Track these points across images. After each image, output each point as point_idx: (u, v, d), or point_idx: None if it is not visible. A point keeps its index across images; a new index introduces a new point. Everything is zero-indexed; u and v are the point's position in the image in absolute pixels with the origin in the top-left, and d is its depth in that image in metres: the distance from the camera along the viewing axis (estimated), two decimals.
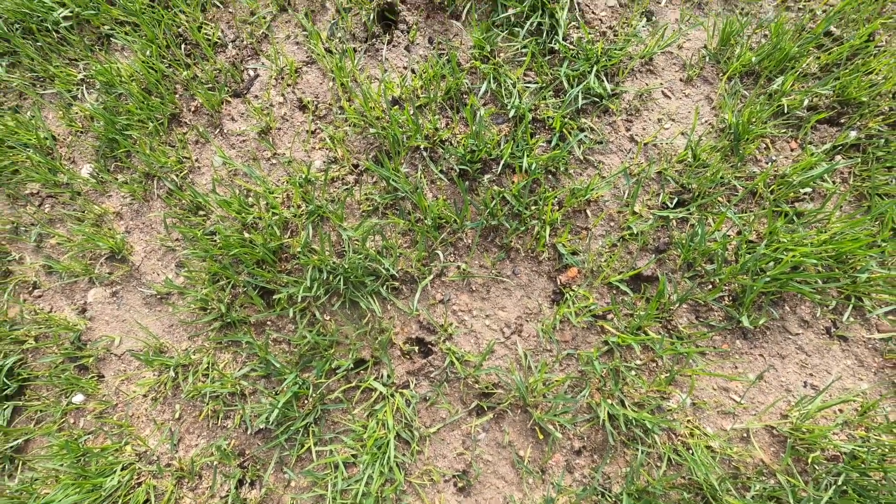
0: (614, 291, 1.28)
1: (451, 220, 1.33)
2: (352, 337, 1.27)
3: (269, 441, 1.23)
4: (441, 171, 1.37)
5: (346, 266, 1.24)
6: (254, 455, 1.24)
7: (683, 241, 1.27)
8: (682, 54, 1.46)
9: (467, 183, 1.32)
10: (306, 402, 1.24)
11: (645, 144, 1.37)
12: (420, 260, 1.30)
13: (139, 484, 1.24)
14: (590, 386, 1.19)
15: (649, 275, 1.26)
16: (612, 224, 1.33)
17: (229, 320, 1.29)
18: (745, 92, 1.38)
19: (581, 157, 1.37)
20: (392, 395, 1.24)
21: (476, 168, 1.36)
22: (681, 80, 1.45)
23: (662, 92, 1.44)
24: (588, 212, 1.35)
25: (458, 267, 1.31)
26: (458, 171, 1.36)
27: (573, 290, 1.28)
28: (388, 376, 1.25)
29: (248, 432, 1.25)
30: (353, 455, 1.20)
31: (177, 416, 1.29)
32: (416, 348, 1.28)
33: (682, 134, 1.39)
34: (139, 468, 1.26)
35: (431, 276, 1.31)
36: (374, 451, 1.17)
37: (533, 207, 1.30)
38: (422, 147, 1.40)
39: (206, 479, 1.24)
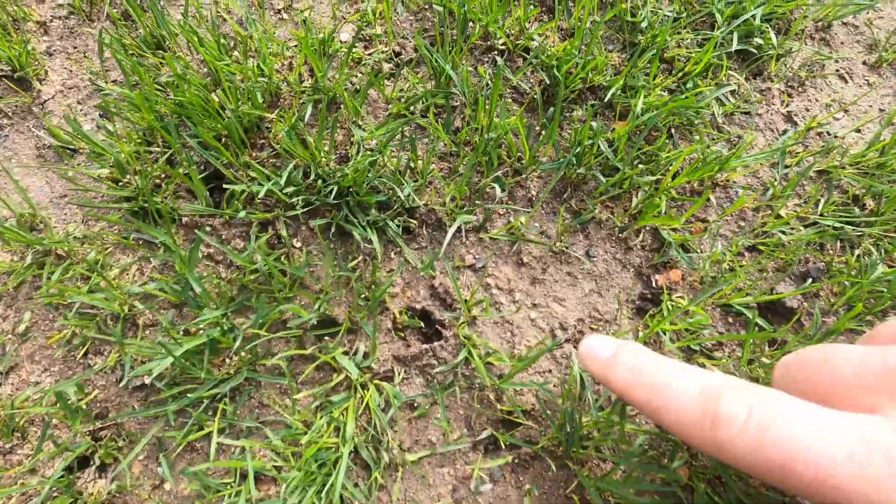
0: (730, 318, 0.84)
1: (516, 152, 0.89)
2: (326, 280, 0.81)
3: (150, 407, 0.76)
4: (517, 84, 0.94)
5: (349, 174, 0.80)
6: (119, 423, 0.77)
7: (846, 272, 0.84)
8: (871, 31, 1.06)
9: (551, 109, 0.89)
10: (227, 360, 0.78)
11: (808, 130, 0.96)
12: (458, 197, 0.85)
13: None
14: (679, 454, 0.74)
15: (792, 307, 0.83)
16: (742, 223, 0.90)
17: (148, 206, 0.83)
18: None
19: (718, 121, 0.95)
20: (364, 386, 0.78)
21: (567, 92, 0.93)
22: (864, 63, 1.05)
23: (838, 71, 1.03)
24: (712, 198, 0.92)
25: (510, 223, 0.87)
26: (540, 91, 0.93)
27: (673, 301, 0.84)
28: (366, 355, 0.79)
29: (123, 385, 0.78)
30: (276, 466, 0.73)
31: (21, 328, 0.81)
32: (419, 325, 0.83)
33: (857, 131, 0.98)
34: None
35: (467, 225, 0.87)
36: (311, 468, 0.70)
37: (639, 167, 0.87)
38: (497, 46, 0.97)
39: (31, 441, 0.76)
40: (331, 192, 0.82)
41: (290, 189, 0.82)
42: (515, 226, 0.86)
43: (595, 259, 0.87)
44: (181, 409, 0.75)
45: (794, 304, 0.82)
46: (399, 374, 0.80)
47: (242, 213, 0.79)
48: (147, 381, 0.75)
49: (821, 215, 0.89)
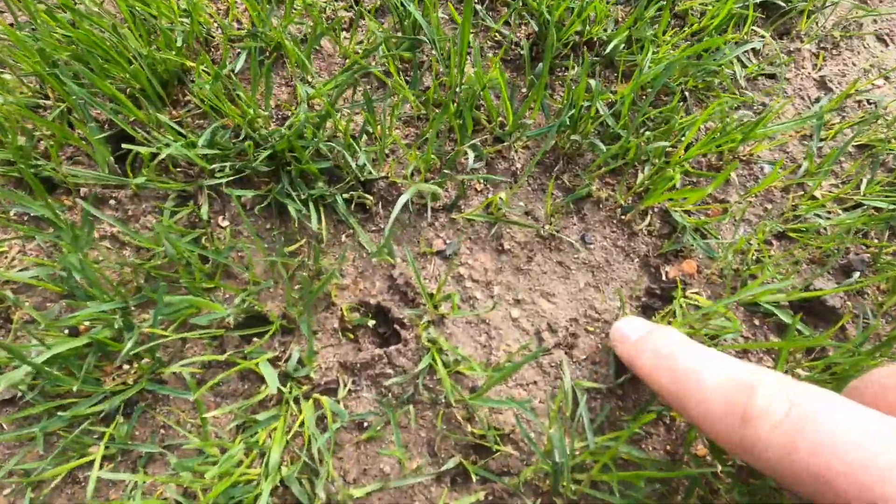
0: (756, 319, 0.68)
1: (497, 115, 0.73)
2: (252, 265, 0.65)
3: (21, 426, 0.59)
4: (500, 35, 0.79)
5: (288, 135, 0.64)
6: None
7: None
8: None
9: (540, 65, 0.73)
10: (122, 369, 0.61)
11: (846, 97, 0.80)
12: (424, 169, 0.69)
13: None
14: (697, 490, 0.58)
15: (833, 306, 0.67)
16: (769, 206, 0.75)
17: (34, 169, 0.66)
18: None
19: (741, 84, 0.80)
20: (297, 401, 0.62)
21: (560, 46, 0.78)
22: None
23: (876, 32, 0.88)
24: (734, 175, 0.76)
25: (488, 200, 0.71)
26: (528, 45, 0.77)
27: (687, 298, 0.68)
28: (302, 363, 0.63)
29: None
30: None
31: None
32: (372, 323, 0.66)
33: None
34: None
35: (436, 203, 0.71)
36: None
37: (645, 134, 0.71)
38: None
39: None
40: (265, 158, 0.66)
41: (213, 153, 0.65)
42: (495, 203, 0.70)
43: (592, 246, 0.71)
44: (51, 432, 0.58)
45: (837, 304, 0.67)
46: (345, 386, 0.63)
47: (141, 180, 0.62)
48: (7, 393, 0.58)
49: (864, 196, 0.73)
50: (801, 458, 0.36)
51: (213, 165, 0.65)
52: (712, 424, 0.43)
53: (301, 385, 0.63)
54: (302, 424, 0.61)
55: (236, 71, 0.71)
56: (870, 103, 0.81)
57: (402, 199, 0.46)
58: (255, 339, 0.64)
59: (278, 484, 0.57)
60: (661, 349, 0.50)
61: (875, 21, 0.88)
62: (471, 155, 0.61)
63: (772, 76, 0.82)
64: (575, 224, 0.72)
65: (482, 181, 0.73)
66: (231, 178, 0.66)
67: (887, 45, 0.87)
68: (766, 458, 0.39)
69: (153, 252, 0.65)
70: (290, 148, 0.65)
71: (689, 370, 0.47)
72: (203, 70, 0.68)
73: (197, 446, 0.57)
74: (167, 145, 0.62)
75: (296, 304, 0.64)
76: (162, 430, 0.61)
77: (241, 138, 0.67)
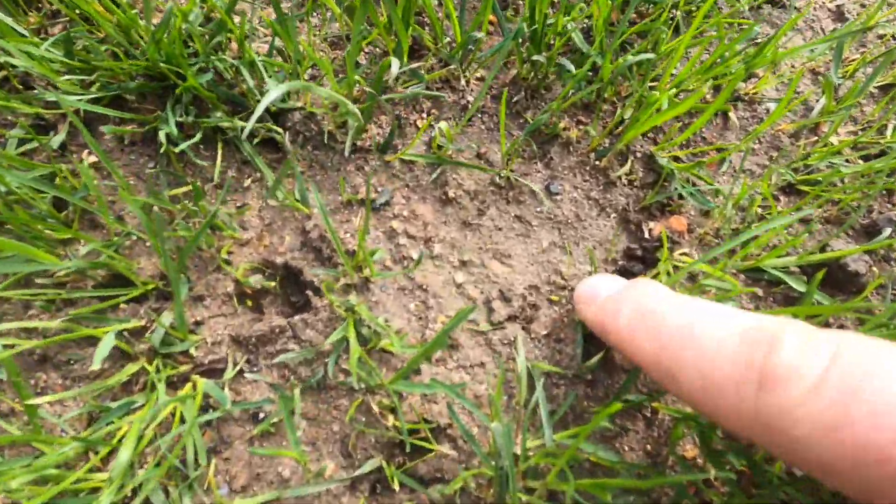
0: (760, 288, 0.55)
1: (442, 33, 0.59)
2: (108, 211, 0.50)
3: None
4: None
5: (163, 41, 0.49)
6: None
7: None
8: None
9: None
10: None
11: (865, 31, 0.67)
12: (347, 92, 0.55)
13: None
14: (685, 502, 0.44)
15: (857, 271, 0.54)
16: (775, 153, 0.62)
17: None
18: None
19: (743, 10, 0.66)
20: (174, 384, 0.47)
21: None
22: None
23: None
24: (732, 116, 0.63)
25: (432, 137, 0.57)
26: None
27: (675, 260, 0.55)
28: (177, 336, 0.48)
29: None
30: None
31: None
32: (275, 285, 0.52)
33: None
34: None
35: (365, 139, 0.57)
36: None
37: (621, 62, 0.57)
38: None
39: None
40: (139, 74, 0.51)
41: (75, 65, 0.50)
42: (440, 142, 0.56)
43: (559, 197, 0.58)
44: None
45: (861, 268, 0.53)
46: (235, 366, 0.49)
47: None
48: None
49: (890, 141, 0.60)
50: (855, 435, 0.24)
51: (68, 78, 0.50)
52: (714, 394, 0.31)
53: (178, 364, 0.49)
54: (176, 415, 0.46)
55: None
56: (894, 38, 0.68)
57: (270, 94, 0.31)
58: (122, 301, 0.50)
59: (130, 494, 0.43)
60: (643, 305, 0.37)
61: None
62: (394, 67, 0.47)
63: (780, 5, 0.69)
64: (539, 171, 0.59)
65: (426, 116, 0.59)
66: (98, 100, 0.52)
67: None
68: (797, 438, 0.27)
69: None
70: (172, 62, 0.51)
71: (680, 326, 0.34)
72: None
73: (21, 440, 0.43)
74: (10, 55, 0.47)
75: (174, 260, 0.49)
76: None
77: (106, 51, 0.52)
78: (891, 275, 0.54)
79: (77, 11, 0.54)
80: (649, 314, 0.36)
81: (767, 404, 0.28)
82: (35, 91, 0.54)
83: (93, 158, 0.53)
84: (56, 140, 0.51)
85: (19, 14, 0.56)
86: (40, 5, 0.58)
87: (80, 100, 0.49)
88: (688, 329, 0.33)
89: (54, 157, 0.53)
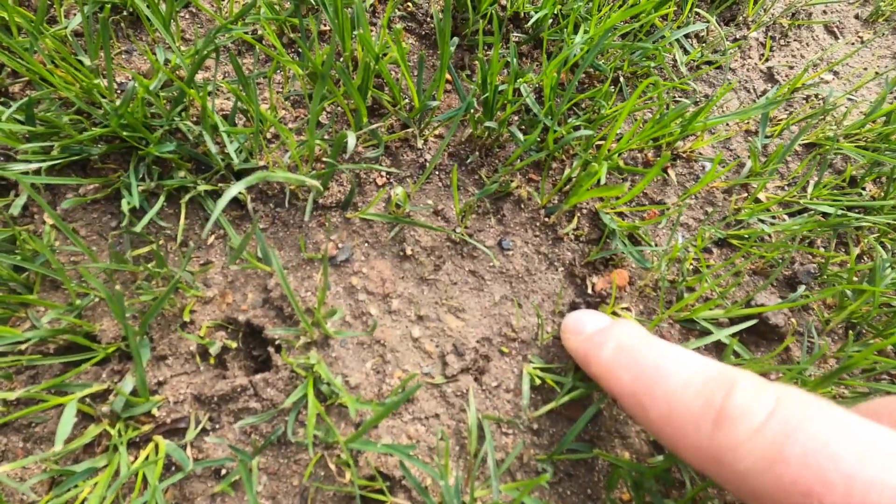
0: (693, 337, 0.60)
1: (400, 95, 0.62)
2: (78, 275, 0.51)
3: None
4: (412, 9, 0.67)
5: (125, 111, 0.50)
6: None
7: (844, 277, 0.62)
8: None
9: (455, 41, 0.62)
10: None
11: (793, 91, 0.73)
12: (310, 157, 0.57)
13: None
14: None
15: (777, 325, 0.59)
16: (710, 209, 0.67)
17: None
18: None
19: (682, 72, 0.71)
20: (137, 444, 0.49)
21: (479, 18, 0.67)
22: (857, 16, 0.84)
23: (826, 25, 0.82)
24: (671, 173, 0.68)
25: (391, 195, 0.60)
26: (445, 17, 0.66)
27: (617, 314, 0.59)
28: (135, 395, 0.50)
29: None
30: None
31: None
32: (237, 345, 0.54)
33: (849, 99, 0.76)
34: None
35: (326, 198, 0.59)
36: None
37: (570, 123, 0.61)
38: None
39: None
40: (98, 139, 0.52)
41: (35, 131, 0.51)
42: (395, 200, 0.59)
43: (511, 252, 0.61)
44: None
45: (780, 322, 0.59)
46: (197, 425, 0.51)
47: None
48: None
49: (811, 200, 0.66)
50: (789, 471, 0.29)
51: (27, 147, 0.51)
52: (677, 426, 0.36)
53: (140, 425, 0.50)
54: (138, 476, 0.48)
55: (72, 30, 0.57)
56: (818, 99, 0.75)
57: (233, 188, 0.34)
58: (89, 367, 0.51)
59: None
60: (625, 341, 0.43)
61: (825, 12, 0.82)
62: (351, 141, 0.49)
63: (717, 66, 0.74)
64: (492, 227, 0.62)
65: (385, 174, 0.62)
66: (59, 163, 0.53)
67: (837, 38, 0.81)
68: (742, 471, 0.31)
69: None
70: (132, 127, 0.52)
71: (655, 364, 0.39)
72: (28, 23, 0.54)
73: None
74: None
75: (134, 323, 0.51)
76: None
77: (72, 114, 0.53)
78: (807, 326, 0.60)
79: (38, 75, 0.55)
80: (630, 350, 0.41)
81: (719, 439, 0.33)
82: None
83: (52, 221, 0.54)
84: (17, 204, 0.52)
85: None
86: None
87: (39, 168, 0.50)
88: (662, 368, 0.38)
89: (13, 220, 0.54)
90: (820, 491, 0.28)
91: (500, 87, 0.59)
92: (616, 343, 0.44)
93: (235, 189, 0.36)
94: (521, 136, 0.59)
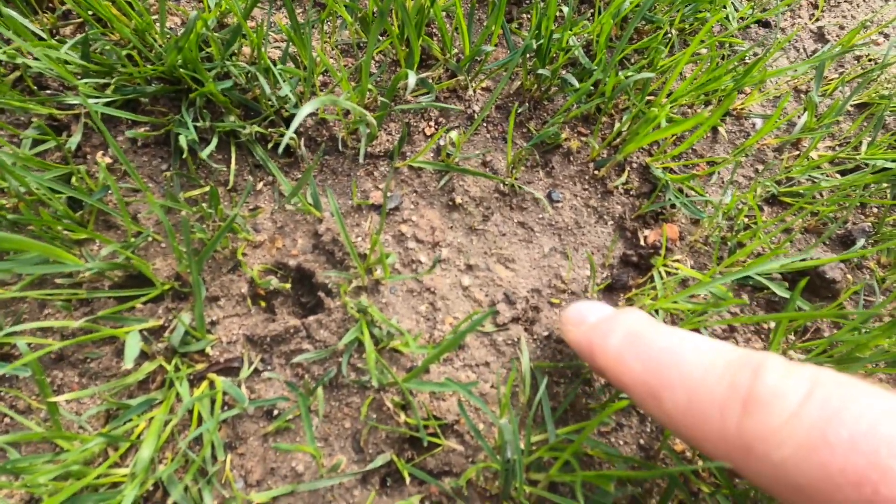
0: (746, 293, 0.59)
1: (451, 44, 0.61)
2: (127, 212, 0.51)
3: None
4: None
5: (183, 46, 0.50)
6: None
7: None
8: None
9: None
10: None
11: (844, 52, 0.72)
12: (359, 99, 0.57)
13: None
14: (677, 492, 0.48)
15: (833, 279, 0.58)
16: (761, 166, 0.66)
17: None
18: None
19: (733, 30, 0.70)
20: (191, 382, 0.49)
21: None
22: None
23: None
24: (722, 130, 0.67)
25: (440, 145, 0.60)
26: None
27: (669, 266, 0.58)
28: (195, 336, 0.49)
29: None
30: None
31: None
32: (288, 288, 0.54)
33: None
34: None
35: (376, 146, 0.59)
36: None
37: (623, 74, 0.60)
38: None
39: None
40: (155, 78, 0.52)
41: (93, 68, 0.51)
42: (446, 149, 0.58)
43: (560, 205, 0.61)
44: None
45: (836, 276, 0.58)
46: (250, 365, 0.51)
47: None
48: None
49: (865, 157, 0.65)
50: (834, 458, 0.25)
51: (85, 81, 0.51)
52: (698, 416, 0.32)
53: (194, 363, 0.50)
54: (194, 413, 0.48)
55: None
56: (869, 60, 0.73)
57: (302, 111, 0.33)
58: (141, 304, 0.51)
59: (152, 488, 0.45)
60: (634, 329, 0.39)
61: None
62: (411, 79, 0.49)
63: (766, 25, 0.72)
64: (541, 179, 0.61)
65: (434, 125, 0.61)
66: (113, 103, 0.53)
67: (887, 0, 0.79)
68: (778, 462, 0.28)
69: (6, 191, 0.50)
70: (189, 67, 0.52)
71: (670, 350, 0.35)
72: None
73: (42, 437, 0.44)
74: (30, 56, 0.48)
75: (189, 264, 0.51)
76: (7, 420, 0.47)
77: (126, 54, 0.53)
78: (863, 282, 0.59)
79: (91, 13, 0.54)
80: (640, 337, 0.38)
81: (749, 427, 0.29)
82: (48, 92, 0.55)
83: (108, 160, 0.54)
84: (73, 141, 0.52)
85: (30, 15, 0.56)
86: (51, 5, 0.59)
87: (97, 103, 0.50)
88: (677, 354, 0.35)
89: (70, 156, 0.53)
90: (875, 479, 0.24)
91: (554, 36, 0.58)
92: (625, 331, 0.40)
93: (309, 108, 0.35)
94: (574, 82, 0.58)
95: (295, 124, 0.34)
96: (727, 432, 0.30)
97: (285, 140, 0.38)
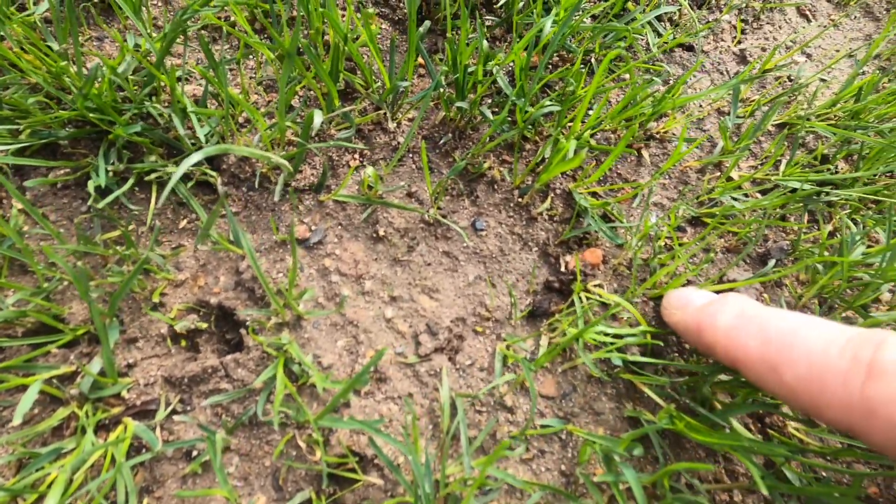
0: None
1: (370, 76, 0.62)
2: (46, 257, 0.51)
3: None
4: None
5: (98, 90, 0.50)
6: None
7: (816, 252, 0.62)
8: None
9: (427, 25, 0.62)
10: None
11: (764, 72, 0.74)
12: (280, 139, 0.58)
13: None
14: None
15: None
16: (681, 186, 0.67)
17: None
18: None
19: (655, 53, 0.72)
20: (106, 426, 0.48)
21: (443, 9, 0.68)
22: (829, 0, 0.85)
23: (798, 7, 0.83)
24: (645, 154, 0.68)
25: (363, 176, 0.60)
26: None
27: (590, 292, 0.59)
28: (107, 382, 0.49)
29: None
30: None
31: None
32: (208, 327, 0.54)
33: (821, 80, 0.77)
34: None
35: (297, 181, 0.59)
36: None
37: (541, 104, 0.62)
38: None
39: None
40: (69, 123, 0.52)
41: (2, 113, 0.51)
42: (366, 182, 0.59)
43: (484, 233, 0.62)
44: None
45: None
46: (168, 406, 0.51)
47: None
48: None
49: (783, 177, 0.67)
50: None
51: None
52: (818, 385, 0.36)
53: (110, 407, 0.50)
54: (108, 456, 0.48)
55: (41, 14, 0.57)
56: (789, 80, 0.75)
57: (192, 157, 0.34)
58: (54, 349, 0.51)
59: None
60: (746, 310, 0.43)
61: None
62: (317, 119, 0.49)
63: (689, 48, 0.75)
64: (466, 208, 0.62)
65: (359, 157, 0.62)
66: (28, 147, 0.53)
67: (809, 21, 0.82)
68: None
69: None
70: (100, 109, 0.52)
71: (790, 329, 0.39)
72: None
73: None
74: None
75: (92, 312, 0.51)
76: None
77: (41, 96, 0.53)
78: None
79: (6, 59, 0.54)
80: (754, 317, 0.41)
81: (874, 392, 0.33)
82: None
83: (20, 205, 0.54)
84: None
85: None
86: None
87: (7, 151, 0.50)
88: (794, 331, 0.38)
89: None
90: None
91: (470, 69, 0.59)
92: (735, 312, 0.43)
93: (194, 158, 0.36)
94: (490, 115, 0.59)
95: (178, 174, 0.35)
96: (851, 398, 0.34)
97: (166, 190, 0.38)
